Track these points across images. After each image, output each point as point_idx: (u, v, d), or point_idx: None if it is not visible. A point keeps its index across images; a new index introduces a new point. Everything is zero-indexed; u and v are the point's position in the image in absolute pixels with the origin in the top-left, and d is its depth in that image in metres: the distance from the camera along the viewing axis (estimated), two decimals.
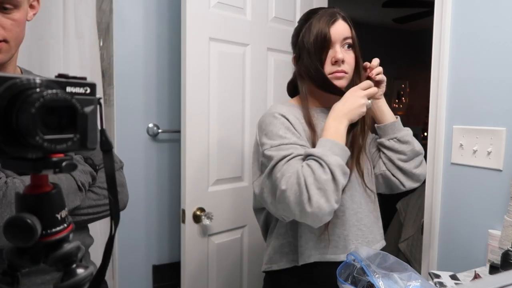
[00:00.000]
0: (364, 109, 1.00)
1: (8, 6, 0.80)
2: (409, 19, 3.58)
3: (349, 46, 1.04)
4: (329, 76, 1.02)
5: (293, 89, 1.17)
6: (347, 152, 0.96)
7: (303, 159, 0.94)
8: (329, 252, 1.02)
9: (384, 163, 1.14)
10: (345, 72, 1.03)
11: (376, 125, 1.15)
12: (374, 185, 1.14)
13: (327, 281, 1.02)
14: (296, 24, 1.12)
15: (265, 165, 0.98)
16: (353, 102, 0.99)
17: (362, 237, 1.07)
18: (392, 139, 1.11)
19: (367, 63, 1.10)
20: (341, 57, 1.01)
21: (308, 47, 1.02)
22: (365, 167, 1.11)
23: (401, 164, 1.11)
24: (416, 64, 4.37)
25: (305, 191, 0.86)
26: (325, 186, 0.86)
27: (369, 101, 1.02)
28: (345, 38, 1.03)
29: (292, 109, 1.06)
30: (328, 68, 1.02)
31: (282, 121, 1.00)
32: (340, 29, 1.03)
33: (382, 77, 1.09)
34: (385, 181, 1.15)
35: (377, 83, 1.09)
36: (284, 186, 0.89)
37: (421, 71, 3.37)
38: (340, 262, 0.98)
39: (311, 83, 1.05)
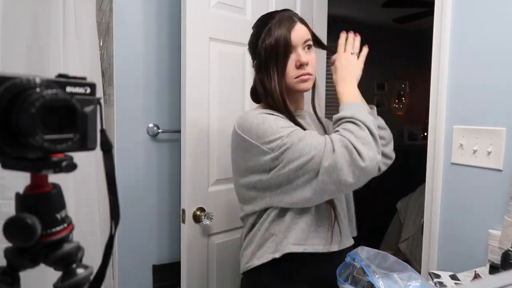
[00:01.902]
0: (361, 63, 1.07)
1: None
2: (409, 19, 3.58)
3: (309, 47, 1.06)
4: (295, 80, 1.04)
5: (257, 96, 1.14)
6: (368, 109, 1.04)
7: (334, 123, 0.98)
8: (316, 242, 1.03)
9: None
10: (310, 74, 1.05)
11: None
12: None
13: (310, 274, 1.05)
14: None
15: (282, 158, 0.94)
16: (350, 62, 1.06)
17: (344, 229, 1.09)
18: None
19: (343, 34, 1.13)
20: (305, 60, 1.03)
21: (270, 53, 1.03)
22: None
23: (382, 148, 1.13)
24: (416, 64, 4.37)
25: (354, 150, 0.88)
26: (368, 140, 0.90)
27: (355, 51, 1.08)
28: (306, 41, 1.05)
29: (269, 111, 1.06)
30: (293, 72, 1.04)
31: (273, 117, 1.00)
32: (301, 33, 1.04)
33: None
34: None
35: None
36: (330, 157, 0.88)
37: (421, 71, 3.37)
38: (321, 254, 1.02)
39: (265, 96, 1.06)
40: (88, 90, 0.41)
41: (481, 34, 1.30)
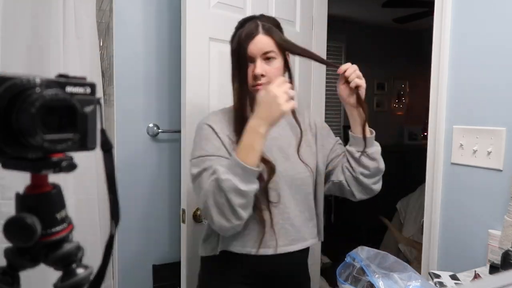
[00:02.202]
0: (285, 107, 0.95)
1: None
2: (409, 19, 3.58)
3: (269, 58, 1.06)
4: (252, 89, 1.07)
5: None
6: (251, 170, 0.95)
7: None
8: (248, 245, 1.07)
9: (343, 173, 1.15)
10: (265, 84, 1.05)
11: (351, 133, 1.14)
12: (311, 185, 1.16)
13: (244, 274, 1.11)
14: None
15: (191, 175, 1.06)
16: (270, 104, 0.96)
17: (285, 235, 1.10)
18: (363, 152, 1.11)
19: (341, 69, 1.08)
20: (259, 73, 1.04)
21: (232, 59, 1.09)
22: (305, 168, 1.14)
23: (361, 178, 1.12)
24: (416, 64, 4.37)
25: (208, 212, 0.97)
26: (223, 208, 0.95)
27: (292, 96, 0.97)
28: (265, 52, 1.05)
29: (226, 116, 1.12)
30: (250, 81, 1.07)
31: (206, 133, 1.08)
32: (260, 45, 1.05)
33: (358, 81, 1.06)
34: (338, 189, 1.19)
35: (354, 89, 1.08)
36: (199, 203, 1.02)
37: (421, 71, 3.37)
38: (254, 256, 1.07)
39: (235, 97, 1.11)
40: (88, 90, 0.41)
41: (481, 34, 1.30)
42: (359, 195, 1.16)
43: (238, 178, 0.93)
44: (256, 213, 1.05)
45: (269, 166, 1.05)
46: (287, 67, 1.12)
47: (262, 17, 1.11)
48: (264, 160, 1.03)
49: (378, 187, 1.17)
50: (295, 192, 1.12)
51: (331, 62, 1.18)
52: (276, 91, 0.95)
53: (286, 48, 1.09)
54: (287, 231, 1.10)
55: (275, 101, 0.95)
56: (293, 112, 1.16)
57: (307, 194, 1.16)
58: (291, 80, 1.11)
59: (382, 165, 1.14)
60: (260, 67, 1.05)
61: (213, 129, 1.08)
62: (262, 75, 1.05)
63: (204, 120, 1.12)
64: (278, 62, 1.08)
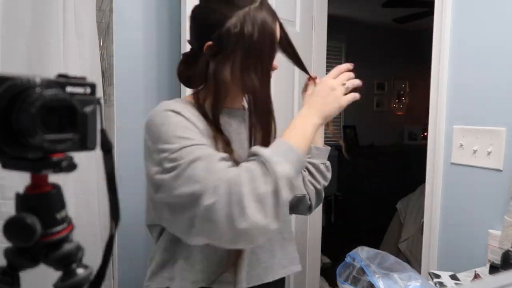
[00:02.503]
0: (343, 101, 0.83)
1: None
2: (409, 19, 3.58)
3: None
4: None
5: (189, 80, 0.93)
6: (303, 163, 0.80)
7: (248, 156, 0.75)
8: (199, 277, 0.84)
9: (307, 187, 1.03)
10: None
11: (313, 145, 1.04)
12: None
13: None
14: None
15: (163, 179, 0.73)
16: (325, 96, 0.82)
17: (257, 261, 0.87)
18: (324, 164, 1.06)
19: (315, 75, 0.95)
20: (276, 66, 0.85)
21: (253, 46, 0.80)
22: None
23: (322, 190, 1.07)
24: (416, 64, 4.37)
25: (238, 202, 0.66)
26: (264, 199, 0.67)
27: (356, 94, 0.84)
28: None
29: (188, 107, 0.84)
30: None
31: (176, 120, 0.78)
32: (277, 31, 0.84)
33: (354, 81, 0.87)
34: (295, 204, 1.03)
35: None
36: (210, 199, 0.66)
37: (421, 71, 3.37)
38: None
39: (214, 89, 0.84)
40: (88, 90, 0.41)
41: (481, 34, 1.30)
42: (314, 209, 1.08)
43: (292, 166, 0.71)
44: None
45: None
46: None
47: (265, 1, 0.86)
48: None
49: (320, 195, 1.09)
50: None
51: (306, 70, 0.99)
52: (332, 83, 0.83)
53: (286, 41, 0.90)
54: (258, 257, 0.88)
55: (332, 94, 0.82)
56: None
57: None
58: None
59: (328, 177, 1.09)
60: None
61: (182, 115, 0.80)
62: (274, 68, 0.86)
63: (163, 107, 0.83)
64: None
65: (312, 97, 0.84)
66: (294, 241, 1.00)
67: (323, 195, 1.09)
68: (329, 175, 1.08)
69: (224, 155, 0.75)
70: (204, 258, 0.84)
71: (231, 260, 0.83)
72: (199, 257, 0.83)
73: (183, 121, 0.79)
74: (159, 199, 0.75)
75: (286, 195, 0.69)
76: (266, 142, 0.81)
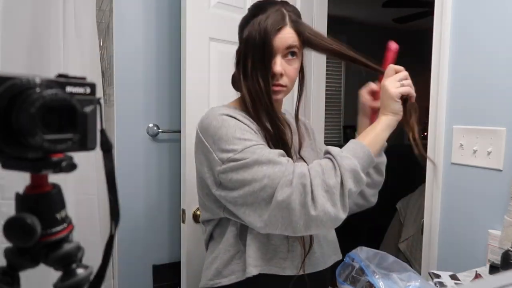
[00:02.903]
0: (395, 93, 0.92)
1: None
2: (409, 19, 3.58)
3: (293, 54, 0.93)
4: None
5: (234, 85, 1.02)
6: (371, 159, 0.85)
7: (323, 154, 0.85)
8: (274, 264, 0.91)
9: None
10: (283, 86, 0.93)
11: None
12: None
13: None
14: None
15: (230, 177, 0.82)
16: (387, 99, 0.92)
17: (312, 251, 0.95)
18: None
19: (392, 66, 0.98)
20: (278, 71, 0.90)
21: (252, 50, 0.90)
22: None
23: (364, 188, 1.07)
24: (416, 64, 4.38)
25: (309, 193, 0.76)
26: (333, 189, 0.77)
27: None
28: (289, 47, 0.91)
29: (236, 111, 0.93)
30: None
31: (233, 123, 0.87)
32: (285, 39, 0.90)
33: (409, 89, 0.96)
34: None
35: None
36: (285, 192, 0.76)
37: (421, 71, 3.37)
38: (286, 276, 0.91)
39: (248, 96, 0.92)
40: (88, 90, 0.41)
41: (481, 34, 1.30)
42: (353, 209, 1.10)
43: (359, 161, 0.81)
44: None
45: None
46: (301, 69, 0.99)
47: (286, 5, 0.95)
48: None
49: (375, 199, 1.14)
50: None
51: (376, 66, 1.03)
52: (388, 85, 0.93)
53: (318, 46, 0.95)
54: (312, 247, 0.96)
55: (390, 96, 0.91)
56: (297, 115, 1.06)
57: None
58: (303, 84, 1.01)
59: (383, 177, 1.12)
60: (279, 64, 0.91)
61: (236, 118, 0.88)
62: (281, 74, 0.91)
63: (216, 111, 0.91)
64: (297, 62, 0.95)
65: (388, 102, 0.92)
66: (334, 231, 1.07)
67: (369, 195, 1.12)
68: (376, 175, 1.10)
69: (281, 151, 0.84)
70: (270, 247, 0.91)
71: (293, 249, 0.92)
72: (265, 246, 0.90)
73: (239, 124, 0.87)
74: (226, 196, 0.84)
75: (351, 187, 0.78)
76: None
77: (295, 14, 0.95)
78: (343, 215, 0.78)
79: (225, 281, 0.93)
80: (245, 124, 0.88)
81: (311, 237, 0.94)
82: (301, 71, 1.00)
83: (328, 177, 0.77)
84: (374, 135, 0.90)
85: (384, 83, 0.94)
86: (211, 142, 0.87)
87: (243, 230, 0.91)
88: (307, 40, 0.94)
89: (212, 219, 0.98)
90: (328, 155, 0.82)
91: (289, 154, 0.89)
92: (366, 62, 1.01)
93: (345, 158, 0.80)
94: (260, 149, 0.82)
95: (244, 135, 0.84)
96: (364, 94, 1.08)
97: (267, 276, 0.91)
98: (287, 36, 0.91)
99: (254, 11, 0.94)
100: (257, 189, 0.78)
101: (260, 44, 0.88)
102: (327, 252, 1.02)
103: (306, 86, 1.03)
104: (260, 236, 0.90)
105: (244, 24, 0.95)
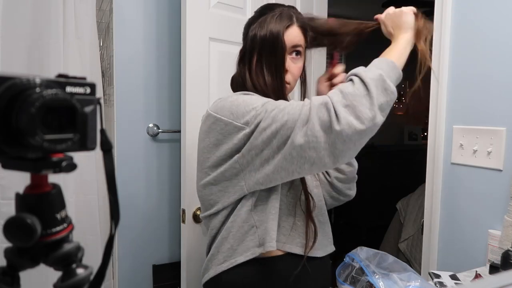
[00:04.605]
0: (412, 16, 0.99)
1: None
2: None
3: (297, 53, 0.97)
4: None
5: (239, 86, 1.01)
6: (397, 69, 0.84)
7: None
8: (294, 243, 0.96)
9: (317, 176, 1.11)
10: (287, 83, 0.97)
11: None
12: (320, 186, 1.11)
13: (291, 275, 0.95)
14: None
15: (260, 126, 0.82)
16: (396, 13, 1.01)
17: (323, 233, 1.04)
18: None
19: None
20: (285, 67, 0.95)
21: (260, 46, 0.93)
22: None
23: (335, 182, 1.11)
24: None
25: (332, 110, 0.75)
26: (353, 102, 0.75)
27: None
28: (295, 46, 0.96)
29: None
30: None
31: (247, 96, 0.89)
32: (292, 36, 0.94)
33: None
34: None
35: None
36: (305, 115, 0.77)
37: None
38: (296, 255, 0.95)
39: (255, 90, 0.94)
40: (88, 90, 0.41)
41: (481, 34, 1.30)
42: (330, 202, 1.13)
43: (383, 72, 0.80)
44: (301, 214, 0.98)
45: None
46: (303, 69, 1.03)
47: (293, 8, 1.01)
48: None
49: (353, 192, 1.15)
50: (315, 194, 1.06)
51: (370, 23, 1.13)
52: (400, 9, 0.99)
53: (316, 41, 0.99)
54: (321, 234, 1.03)
55: (404, 13, 0.98)
56: None
57: (322, 197, 1.10)
58: (305, 83, 1.04)
59: (356, 170, 1.13)
60: (286, 61, 0.94)
61: (248, 94, 0.91)
62: (286, 71, 0.95)
63: (223, 98, 0.94)
64: (301, 61, 0.99)
65: (411, 23, 0.96)
66: (329, 223, 1.09)
67: (344, 189, 1.13)
68: (346, 167, 1.11)
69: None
70: (283, 223, 0.94)
71: (302, 227, 0.97)
72: (276, 222, 0.92)
73: (253, 95, 0.90)
74: (248, 152, 0.84)
75: (378, 94, 0.76)
76: None
77: (302, 17, 1.00)
78: (371, 124, 0.76)
79: (241, 259, 0.92)
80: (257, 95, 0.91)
81: (314, 225, 0.99)
82: (303, 71, 1.03)
83: (347, 91, 0.77)
84: (396, 51, 0.90)
85: (394, 10, 1.01)
86: (229, 115, 0.87)
87: (258, 204, 0.92)
88: (312, 29, 0.99)
89: (225, 206, 0.95)
90: (349, 76, 0.82)
91: None
92: (362, 22, 1.10)
93: (367, 71, 0.80)
94: (277, 101, 0.85)
95: (261, 99, 0.87)
96: (322, 80, 1.10)
97: (280, 253, 0.94)
98: (294, 34, 0.95)
99: (262, 11, 0.98)
100: (279, 127, 0.79)
101: (271, 40, 0.91)
102: (323, 242, 1.05)
103: (307, 86, 1.05)
104: (273, 211, 0.91)
105: (252, 22, 0.98)
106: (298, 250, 0.97)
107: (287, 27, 0.93)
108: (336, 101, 0.76)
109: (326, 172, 1.10)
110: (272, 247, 0.90)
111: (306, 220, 0.98)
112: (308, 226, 0.98)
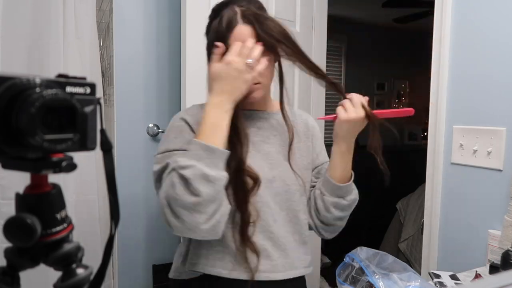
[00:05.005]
0: (248, 76, 0.83)
1: None
2: (409, 19, 3.57)
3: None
4: None
5: None
6: (219, 152, 0.79)
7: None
8: (217, 265, 0.90)
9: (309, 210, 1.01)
10: (256, 83, 0.89)
11: (329, 175, 0.97)
12: (301, 200, 0.98)
13: None
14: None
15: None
16: (234, 77, 0.82)
17: (267, 258, 0.91)
18: (339, 196, 0.97)
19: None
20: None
21: (209, 53, 0.90)
22: (295, 179, 0.96)
23: (331, 220, 1.00)
24: (416, 64, 4.37)
25: (173, 210, 0.82)
26: (173, 202, 0.81)
27: (250, 60, 0.83)
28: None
29: (199, 113, 0.90)
30: None
31: (178, 125, 0.92)
32: (239, 36, 0.86)
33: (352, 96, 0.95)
34: None
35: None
36: (161, 203, 0.86)
37: (421, 71, 3.37)
38: (232, 280, 0.88)
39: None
40: (88, 90, 0.41)
41: (481, 34, 1.30)
42: (326, 235, 1.03)
43: (204, 163, 0.77)
44: (230, 229, 0.88)
45: (252, 176, 0.88)
46: (279, 65, 0.94)
47: (241, 1, 0.91)
48: (246, 169, 0.87)
49: (343, 224, 1.04)
50: (281, 208, 0.93)
51: (337, 83, 1.00)
52: (237, 63, 0.82)
53: (267, 43, 0.87)
54: (269, 254, 0.91)
55: (240, 77, 0.82)
56: (282, 109, 0.97)
57: (296, 212, 0.96)
58: (282, 81, 0.94)
59: (349, 211, 1.02)
60: None
61: (186, 121, 0.91)
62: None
63: (179, 113, 0.96)
64: (271, 54, 0.90)
65: (219, 81, 0.83)
66: (308, 244, 1.01)
67: (339, 224, 1.02)
68: (343, 213, 0.99)
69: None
70: (208, 244, 0.91)
71: (243, 251, 0.89)
72: (206, 243, 0.91)
73: (182, 126, 0.91)
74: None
75: (206, 190, 0.76)
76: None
77: (252, 7, 0.91)
78: (208, 219, 0.79)
79: (184, 277, 0.99)
80: (189, 126, 0.91)
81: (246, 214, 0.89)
82: (280, 66, 0.95)
83: (182, 194, 0.79)
84: (219, 129, 0.82)
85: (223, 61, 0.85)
86: (164, 134, 0.95)
87: None
88: (260, 35, 0.88)
89: None
90: (173, 169, 0.81)
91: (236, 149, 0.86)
92: (325, 76, 1.00)
93: (188, 168, 0.77)
94: (174, 156, 0.84)
95: (175, 139, 0.89)
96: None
97: (212, 277, 0.90)
98: (239, 34, 0.87)
99: (211, 16, 0.96)
100: (158, 187, 0.90)
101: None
102: (292, 262, 0.95)
103: (285, 80, 0.96)
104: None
105: (206, 31, 0.96)
106: (236, 274, 0.90)
107: (231, 29, 0.87)
108: (162, 197, 0.87)
109: (317, 210, 1.00)
110: (200, 269, 0.92)
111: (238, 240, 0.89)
112: (237, 241, 0.89)
